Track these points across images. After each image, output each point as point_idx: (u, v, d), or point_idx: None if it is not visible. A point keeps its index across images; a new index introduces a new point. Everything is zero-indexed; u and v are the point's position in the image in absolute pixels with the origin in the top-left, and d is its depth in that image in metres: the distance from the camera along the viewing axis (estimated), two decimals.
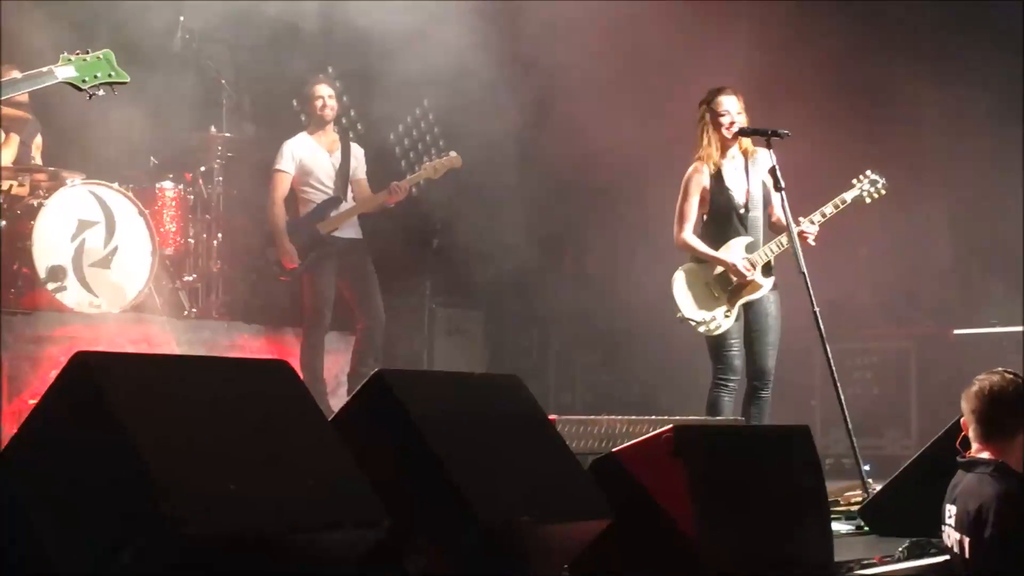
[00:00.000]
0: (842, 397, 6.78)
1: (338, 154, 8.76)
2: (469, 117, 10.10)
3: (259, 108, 9.77)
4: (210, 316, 8.91)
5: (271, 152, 8.86)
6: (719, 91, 7.29)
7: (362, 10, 9.06)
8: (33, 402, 7.24)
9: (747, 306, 7.33)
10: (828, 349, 6.90)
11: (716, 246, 7.32)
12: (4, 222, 7.96)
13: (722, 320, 7.29)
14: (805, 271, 6.90)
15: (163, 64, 8.72)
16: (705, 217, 7.39)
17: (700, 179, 7.33)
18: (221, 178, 9.13)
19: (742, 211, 7.31)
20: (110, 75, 4.76)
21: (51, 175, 8.38)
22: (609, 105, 9.60)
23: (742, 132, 7.16)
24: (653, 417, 6.08)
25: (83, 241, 8.04)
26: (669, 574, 3.96)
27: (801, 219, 7.21)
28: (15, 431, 7.08)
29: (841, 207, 7.36)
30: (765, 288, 7.29)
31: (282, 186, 8.60)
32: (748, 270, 7.20)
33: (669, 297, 7.37)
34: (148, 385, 2.98)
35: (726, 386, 7.36)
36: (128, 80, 4.75)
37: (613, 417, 6.03)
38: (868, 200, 7.50)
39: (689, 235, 7.34)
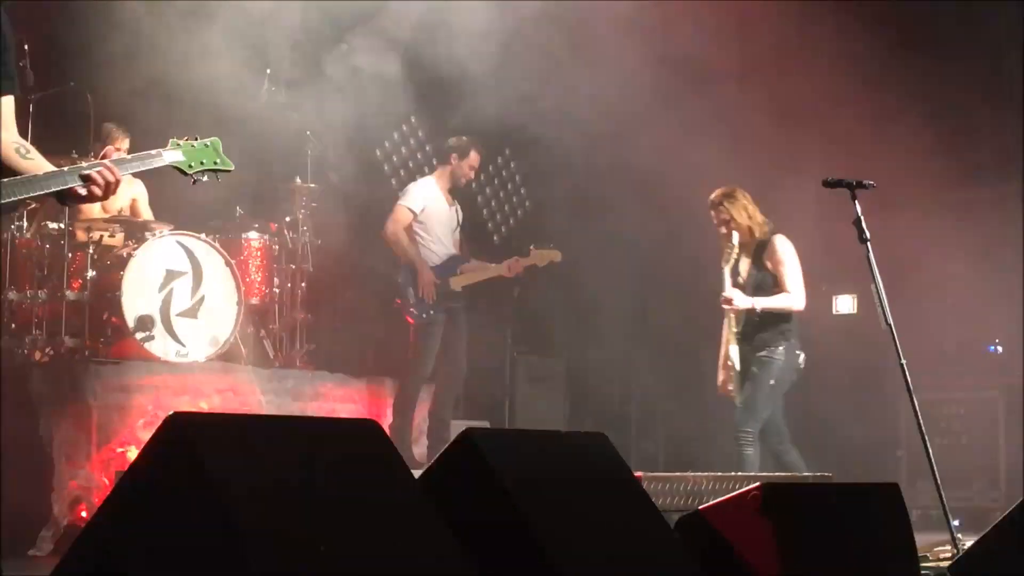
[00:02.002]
0: (930, 450, 6.66)
1: (454, 209, 8.93)
2: (550, 166, 10.17)
3: (343, 158, 9.86)
4: (294, 365, 8.98)
5: (353, 202, 8.95)
6: (711, 204, 8.03)
7: (443, 59, 9.16)
8: (121, 450, 7.45)
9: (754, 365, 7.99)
10: (915, 401, 6.81)
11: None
12: (95, 273, 8.10)
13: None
14: (892, 323, 6.82)
15: (249, 115, 8.84)
16: None
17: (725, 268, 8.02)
18: (306, 228, 9.21)
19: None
20: (215, 162, 4.84)
21: (140, 226, 8.53)
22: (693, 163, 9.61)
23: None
24: (739, 474, 6.05)
25: (171, 291, 8.16)
26: None
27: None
28: (104, 478, 7.24)
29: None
30: (732, 355, 7.99)
31: (404, 221, 8.72)
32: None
33: None
34: (240, 446, 3.00)
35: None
36: (232, 168, 4.84)
37: (699, 474, 6.01)
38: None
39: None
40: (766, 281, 8.00)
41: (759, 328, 7.99)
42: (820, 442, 10.41)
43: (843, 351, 10.89)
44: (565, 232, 10.57)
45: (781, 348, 7.99)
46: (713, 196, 8.05)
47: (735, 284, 7.97)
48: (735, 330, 7.98)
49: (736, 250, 7.98)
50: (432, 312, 8.68)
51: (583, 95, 9.79)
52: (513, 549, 3.38)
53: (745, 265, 8.04)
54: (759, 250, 8.02)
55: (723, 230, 8.02)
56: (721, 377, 8.08)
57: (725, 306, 7.91)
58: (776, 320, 8.02)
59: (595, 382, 10.93)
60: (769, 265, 8.01)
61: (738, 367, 7.96)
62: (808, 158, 9.57)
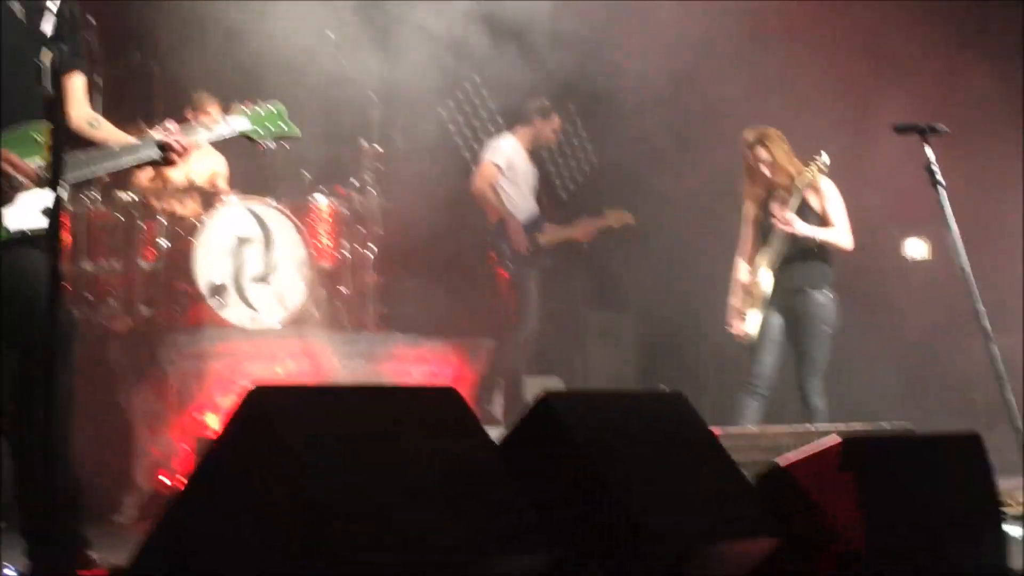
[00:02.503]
0: (1010, 395, 6.59)
1: (534, 169, 8.98)
2: (616, 123, 10.11)
3: (407, 120, 9.86)
4: (366, 327, 9.01)
5: (420, 163, 8.95)
6: (747, 143, 7.84)
7: (510, 14, 9.13)
8: (199, 417, 7.53)
9: (784, 312, 7.82)
10: (993, 347, 6.72)
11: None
12: (167, 242, 8.18)
13: (749, 325, 7.86)
14: (968, 268, 6.74)
15: (314, 78, 8.85)
16: None
17: (750, 210, 7.97)
18: (374, 190, 9.23)
19: (770, 233, 7.83)
20: (282, 128, 4.85)
21: (210, 194, 8.59)
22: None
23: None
24: (819, 427, 6.01)
25: (242, 257, 8.20)
26: None
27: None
28: (183, 444, 7.34)
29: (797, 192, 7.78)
30: (766, 287, 7.79)
31: (491, 177, 8.75)
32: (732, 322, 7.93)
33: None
34: (321, 419, 3.02)
35: (749, 390, 7.81)
36: (299, 134, 4.85)
37: (778, 428, 5.98)
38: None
39: (738, 261, 8.02)
40: (811, 223, 7.80)
41: (802, 267, 7.80)
42: (895, 389, 10.36)
43: (916, 297, 10.82)
44: (634, 189, 10.54)
45: (828, 291, 7.83)
46: (751, 135, 7.85)
47: (770, 228, 7.78)
48: (766, 264, 7.79)
49: (774, 193, 7.82)
50: (527, 267, 8.75)
51: (649, 50, 9.71)
52: (595, 512, 3.39)
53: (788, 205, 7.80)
54: (801, 192, 7.78)
55: (763, 170, 7.80)
56: (737, 303, 7.90)
57: (784, 227, 7.68)
58: (821, 260, 7.84)
59: (666, 337, 10.90)
60: (816, 206, 7.81)
61: (767, 295, 7.77)
62: (877, 104, 9.45)
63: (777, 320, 7.83)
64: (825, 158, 7.76)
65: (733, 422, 7.52)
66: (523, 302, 8.83)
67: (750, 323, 7.84)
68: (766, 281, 7.82)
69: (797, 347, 7.83)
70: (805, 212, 7.81)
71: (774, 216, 7.74)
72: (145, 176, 8.57)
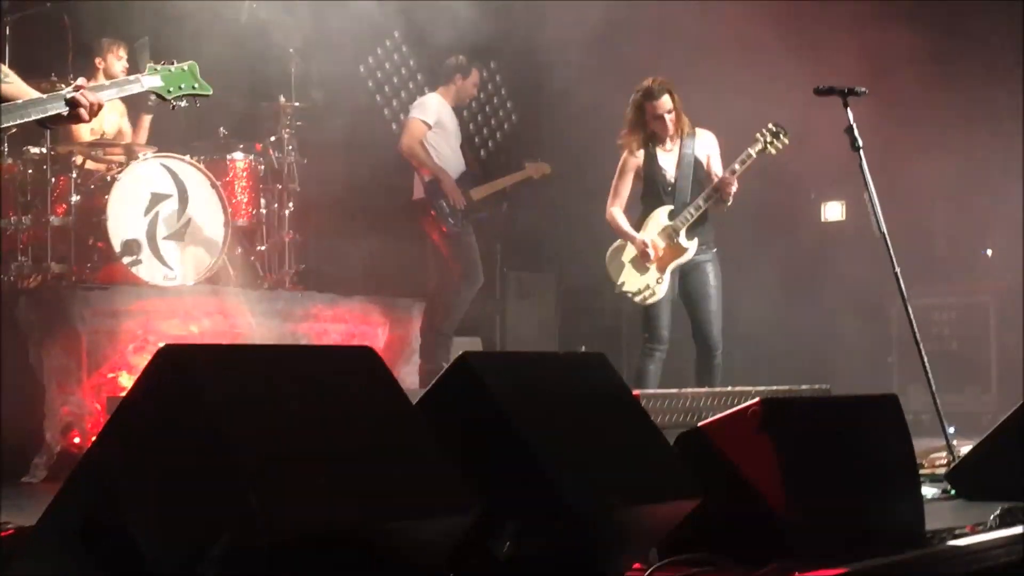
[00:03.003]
0: (925, 357, 6.65)
1: (457, 123, 8.96)
2: (535, 77, 10.05)
3: (326, 76, 9.74)
4: (283, 286, 8.92)
5: (339, 120, 8.84)
6: (650, 94, 7.70)
7: None
8: (112, 375, 7.42)
9: (684, 275, 7.79)
10: (910, 309, 6.77)
11: (646, 217, 7.83)
12: (79, 197, 8.02)
13: (656, 287, 7.71)
14: (885, 231, 6.78)
15: (230, 34, 8.71)
16: (641, 192, 7.91)
17: (634, 160, 7.84)
18: (291, 147, 9.11)
19: (668, 188, 7.78)
20: (194, 87, 4.95)
21: (124, 149, 8.44)
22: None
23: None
24: (738, 389, 6.04)
25: (157, 214, 8.08)
26: (759, 549, 3.90)
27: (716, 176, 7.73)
28: (96, 404, 7.21)
29: (748, 161, 7.68)
30: (690, 252, 7.72)
31: (419, 134, 8.69)
32: (652, 249, 7.69)
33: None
34: (236, 378, 2.95)
35: (650, 355, 7.72)
36: (211, 93, 4.94)
37: (697, 390, 6.00)
38: (773, 151, 7.77)
39: (616, 211, 7.90)
40: (700, 176, 7.81)
41: (703, 226, 7.79)
42: (811, 351, 10.45)
43: (832, 258, 10.90)
44: (552, 144, 10.51)
45: (715, 250, 7.87)
46: (656, 83, 7.72)
47: (666, 178, 7.76)
48: (677, 222, 7.70)
49: (668, 143, 7.79)
50: (464, 222, 8.74)
51: (566, 6, 9.68)
52: (513, 471, 3.36)
53: (673, 158, 7.81)
54: (690, 143, 7.79)
55: (668, 119, 7.70)
56: (654, 275, 7.72)
57: (730, 190, 7.60)
58: (712, 218, 7.86)
59: (585, 296, 10.91)
60: (705, 160, 7.81)
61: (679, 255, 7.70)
62: (795, 66, 9.47)
63: (675, 281, 7.80)
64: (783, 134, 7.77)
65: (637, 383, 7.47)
66: (468, 258, 8.82)
67: (651, 283, 7.73)
68: (672, 241, 7.72)
69: (709, 305, 7.78)
70: (697, 166, 7.82)
71: (723, 177, 7.64)
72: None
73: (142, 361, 7.08)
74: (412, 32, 10.16)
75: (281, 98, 9.16)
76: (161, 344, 3.06)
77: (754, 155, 7.69)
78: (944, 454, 6.55)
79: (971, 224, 10.74)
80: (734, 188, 7.64)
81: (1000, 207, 10.38)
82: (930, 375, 6.63)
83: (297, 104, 9.20)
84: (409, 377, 8.61)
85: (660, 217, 7.79)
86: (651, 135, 7.80)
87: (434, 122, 8.73)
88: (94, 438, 3.22)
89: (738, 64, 9.86)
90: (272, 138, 9.11)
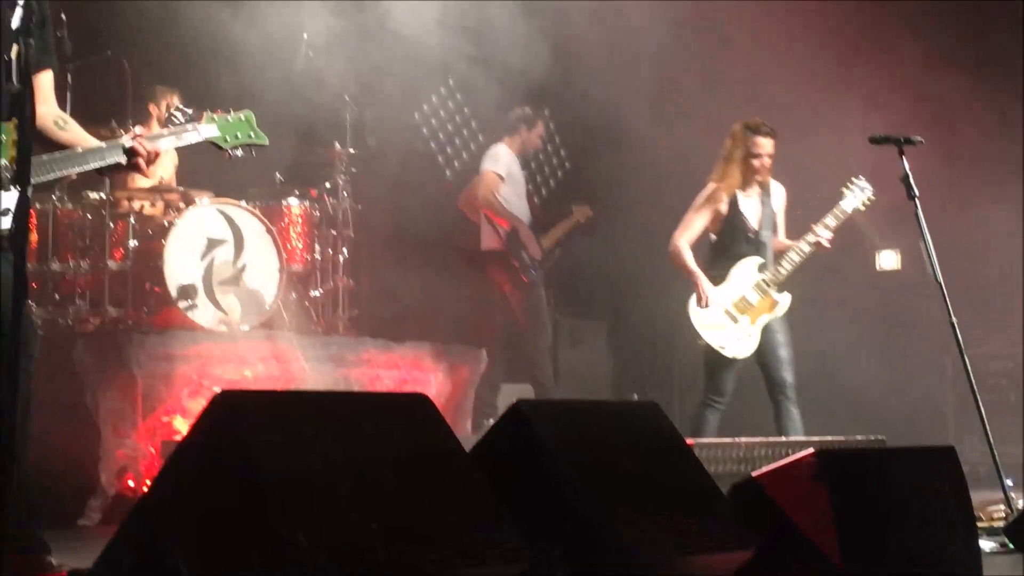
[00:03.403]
0: (982, 408, 6.57)
1: (523, 173, 9.07)
2: (591, 126, 10.08)
3: (381, 123, 9.80)
4: (337, 331, 8.95)
5: (393, 166, 8.89)
6: (757, 130, 7.57)
7: (481, 19, 9.09)
8: (167, 419, 7.46)
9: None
10: (966, 359, 6.70)
11: (727, 264, 7.64)
12: (136, 242, 8.10)
13: (748, 342, 7.56)
14: (941, 280, 6.72)
15: (287, 81, 8.79)
16: (714, 237, 7.73)
17: (722, 198, 7.62)
18: (346, 193, 9.17)
19: (752, 235, 7.63)
20: (250, 136, 4.92)
21: (181, 195, 8.52)
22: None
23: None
24: (792, 439, 5.99)
25: (212, 259, 8.13)
26: None
27: (812, 231, 7.54)
28: (150, 447, 7.25)
29: (843, 218, 7.59)
30: (783, 306, 7.62)
31: (495, 186, 8.79)
32: (704, 299, 7.51)
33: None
34: (289, 424, 2.97)
35: (712, 407, 7.61)
36: (267, 143, 4.91)
37: (751, 440, 5.95)
38: (862, 208, 7.66)
39: (683, 245, 7.66)
40: (775, 228, 7.76)
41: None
42: (866, 401, 10.35)
43: (887, 308, 10.81)
44: (604, 190, 10.53)
45: None
46: (763, 126, 7.61)
47: (748, 226, 7.62)
48: (770, 276, 7.59)
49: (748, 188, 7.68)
50: (540, 273, 8.84)
51: (616, 51, 9.71)
52: (565, 522, 3.35)
53: (754, 205, 7.71)
54: (770, 193, 7.73)
55: (767, 162, 7.60)
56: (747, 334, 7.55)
57: (826, 245, 7.52)
58: None
59: (637, 343, 10.88)
60: (781, 213, 7.78)
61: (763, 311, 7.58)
62: (849, 115, 9.44)
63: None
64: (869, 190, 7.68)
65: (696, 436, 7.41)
66: (539, 308, 8.88)
67: (741, 337, 7.58)
68: (766, 295, 7.61)
69: (786, 354, 7.68)
70: (769, 215, 7.76)
71: (816, 234, 7.50)
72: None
73: (197, 405, 7.14)
74: (467, 80, 10.20)
75: (336, 145, 9.22)
76: (216, 389, 3.07)
77: (849, 211, 7.58)
78: (1002, 507, 6.47)
79: None
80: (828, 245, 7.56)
81: None
82: (987, 426, 6.55)
83: (352, 151, 9.26)
84: (462, 423, 8.60)
85: (749, 269, 7.64)
86: (745, 180, 7.65)
87: (506, 173, 8.81)
88: (149, 482, 3.24)
89: (796, 109, 9.84)
90: (327, 184, 9.16)
